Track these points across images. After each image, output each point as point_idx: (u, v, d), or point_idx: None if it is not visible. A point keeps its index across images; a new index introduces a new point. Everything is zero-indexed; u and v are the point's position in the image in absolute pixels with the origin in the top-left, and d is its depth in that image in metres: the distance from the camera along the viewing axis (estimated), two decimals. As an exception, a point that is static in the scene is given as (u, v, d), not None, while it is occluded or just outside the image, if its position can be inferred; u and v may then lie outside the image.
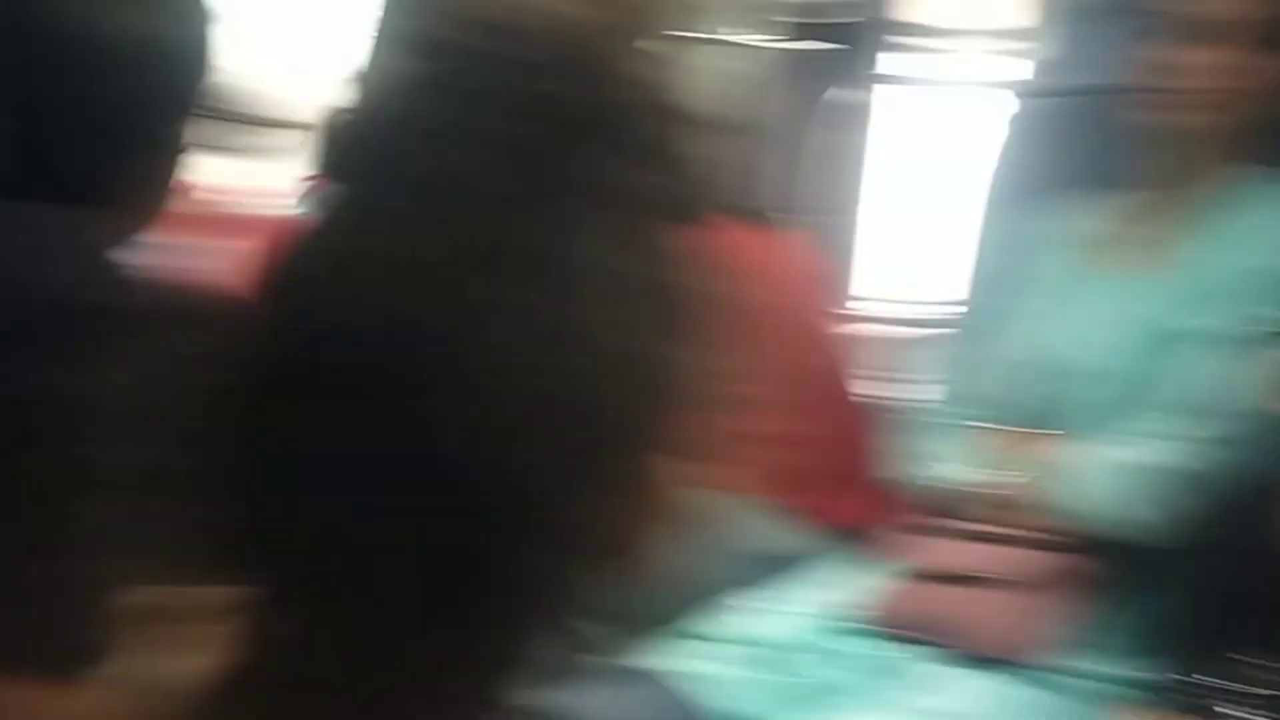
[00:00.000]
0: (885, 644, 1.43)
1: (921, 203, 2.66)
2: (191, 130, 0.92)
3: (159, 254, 0.97)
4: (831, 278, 2.45)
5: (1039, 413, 1.60)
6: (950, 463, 1.59)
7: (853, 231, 2.64)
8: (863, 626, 1.46)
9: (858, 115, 2.54)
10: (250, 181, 1.93)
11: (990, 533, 1.50)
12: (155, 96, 0.89)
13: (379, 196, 0.45)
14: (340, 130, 0.47)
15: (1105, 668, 1.39)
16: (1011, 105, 2.12)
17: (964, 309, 2.03)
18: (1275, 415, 1.08)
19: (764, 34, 2.53)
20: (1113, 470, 1.43)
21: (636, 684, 1.01)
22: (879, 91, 2.55)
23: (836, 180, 2.35)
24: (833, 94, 2.39)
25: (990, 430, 1.61)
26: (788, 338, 1.80)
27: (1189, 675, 1.22)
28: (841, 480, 1.79)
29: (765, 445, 1.68)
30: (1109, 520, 1.42)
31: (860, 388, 1.91)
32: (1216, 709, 1.17)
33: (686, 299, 0.47)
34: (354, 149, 0.47)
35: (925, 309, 2.46)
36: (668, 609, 1.61)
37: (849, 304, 2.48)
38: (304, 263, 0.47)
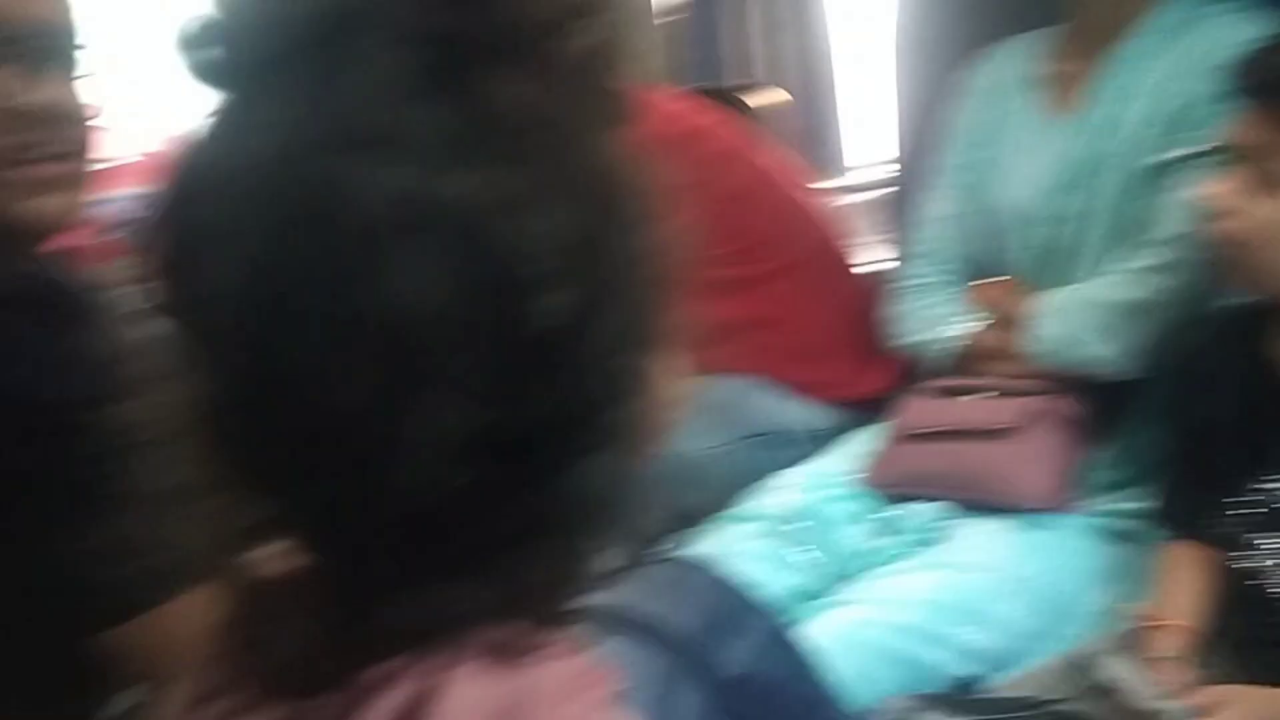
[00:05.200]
0: (902, 505, 1.47)
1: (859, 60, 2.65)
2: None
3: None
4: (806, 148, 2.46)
5: (999, 261, 1.63)
6: (932, 321, 1.63)
7: (817, 98, 2.63)
8: (879, 490, 1.51)
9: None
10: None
11: (980, 385, 1.55)
12: None
13: (263, 101, 0.44)
14: (208, 33, 0.46)
15: (1114, 505, 1.44)
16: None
17: (901, 166, 2.04)
18: (1205, 239, 1.10)
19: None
20: (1078, 309, 1.47)
21: (680, 573, 1.05)
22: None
23: (792, 47, 2.35)
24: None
25: (960, 283, 1.65)
26: (779, 214, 1.82)
27: (1200, 507, 1.26)
28: (847, 351, 1.82)
29: (767, 324, 1.73)
30: (1082, 359, 1.46)
31: (853, 257, 1.94)
32: (1248, 538, 1.20)
33: (655, 187, 0.48)
34: (233, 56, 0.45)
35: (878, 170, 2.46)
36: (696, 496, 1.65)
37: (825, 172, 2.49)
38: (190, 175, 0.45)
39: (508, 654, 0.46)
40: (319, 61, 0.43)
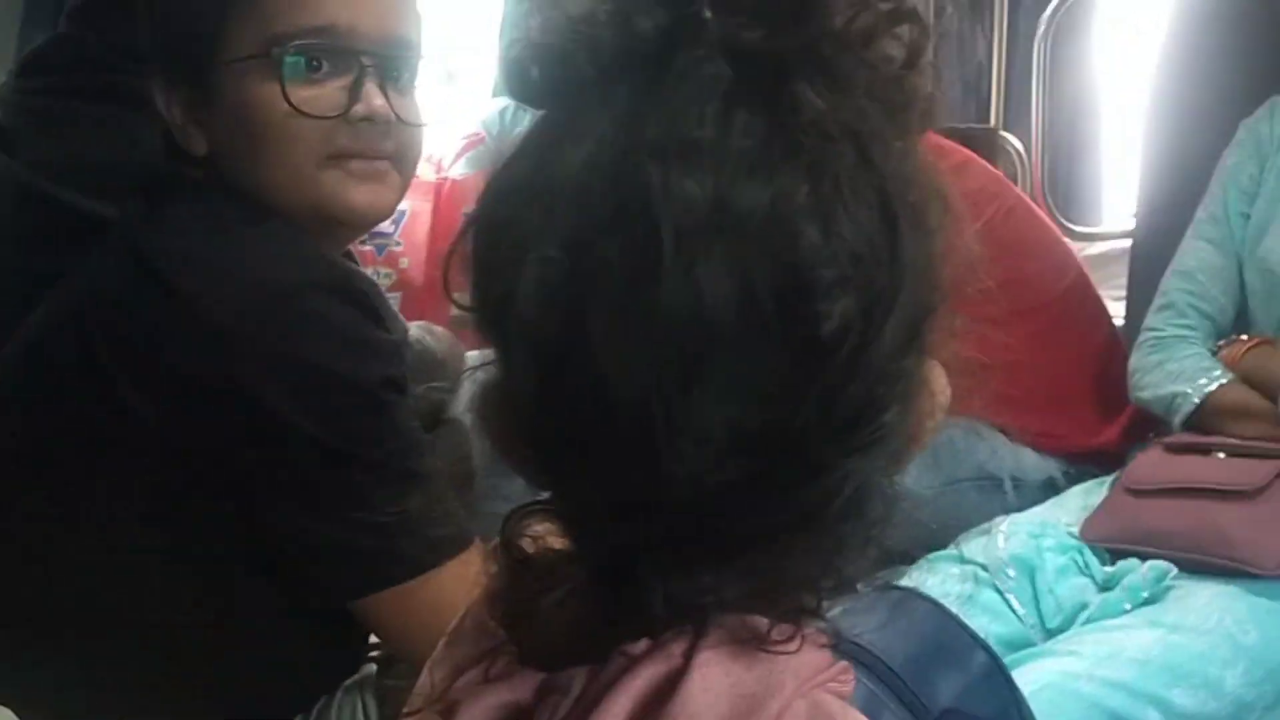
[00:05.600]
0: (1120, 561, 1.45)
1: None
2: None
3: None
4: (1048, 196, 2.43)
5: (1250, 318, 1.60)
6: (1174, 376, 1.59)
7: (1059, 146, 2.59)
8: (1098, 545, 1.49)
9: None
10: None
11: (1218, 444, 1.51)
12: None
13: (578, 118, 0.47)
14: (535, 55, 0.49)
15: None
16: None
17: (1146, 217, 1.99)
18: None
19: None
20: None
21: (900, 601, 1.06)
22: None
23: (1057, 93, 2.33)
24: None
25: (1206, 339, 1.61)
26: (1024, 256, 1.80)
27: None
28: (1078, 402, 1.79)
29: (998, 368, 1.72)
30: None
31: (1093, 307, 1.90)
32: None
33: (941, 198, 0.50)
34: (552, 76, 0.48)
35: (1123, 221, 2.41)
36: (908, 534, 1.66)
37: (1068, 221, 2.45)
38: (507, 189, 0.49)
39: (753, 643, 0.49)
40: (635, 80, 0.47)
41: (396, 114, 1.02)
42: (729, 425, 0.46)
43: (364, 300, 0.99)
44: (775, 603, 0.50)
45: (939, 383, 0.52)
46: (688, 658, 0.49)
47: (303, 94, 0.99)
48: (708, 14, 0.47)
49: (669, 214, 0.45)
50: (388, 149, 1.03)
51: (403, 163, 1.05)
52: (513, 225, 0.48)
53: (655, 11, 0.47)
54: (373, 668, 1.12)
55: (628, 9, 0.47)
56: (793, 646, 0.49)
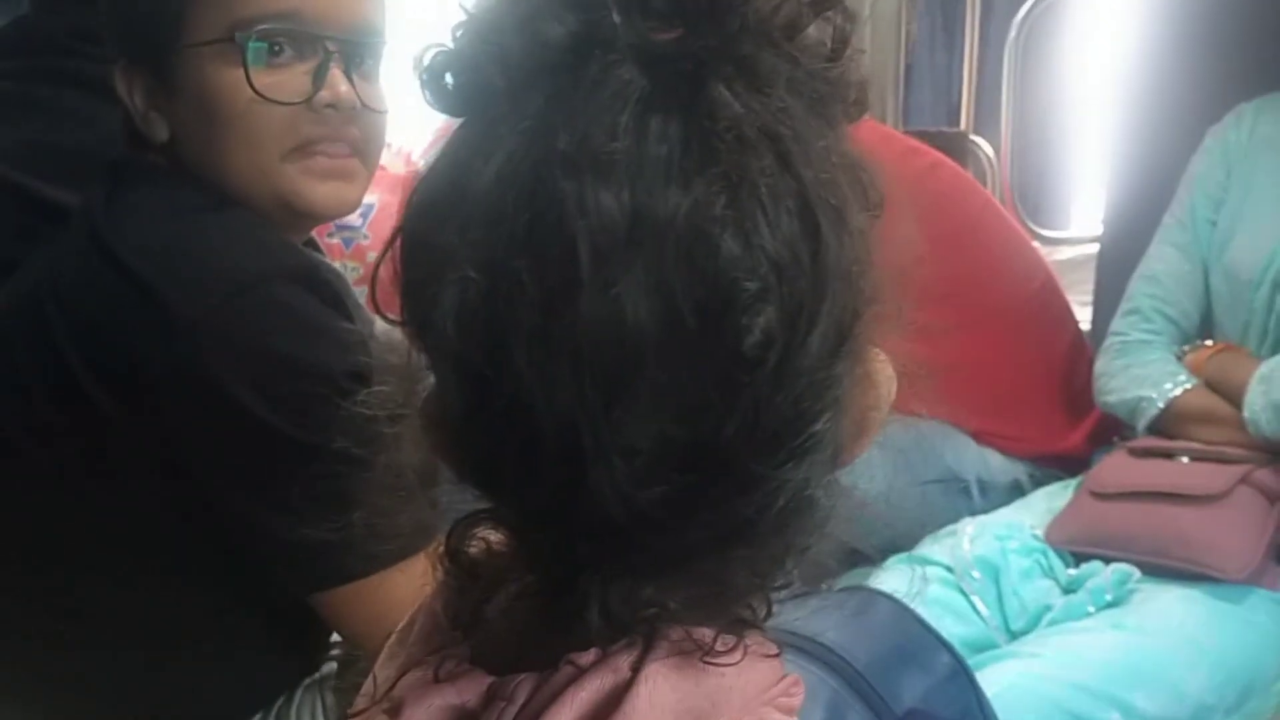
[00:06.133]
0: (1083, 564, 1.46)
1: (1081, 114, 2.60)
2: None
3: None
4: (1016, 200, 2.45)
5: (1216, 323, 1.61)
6: (1139, 380, 1.60)
7: (1029, 150, 2.61)
8: (1062, 547, 1.49)
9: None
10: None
11: (1182, 448, 1.52)
12: None
13: (495, 127, 0.45)
14: (448, 62, 0.47)
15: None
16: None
17: (1113, 222, 2.00)
18: None
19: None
20: None
21: (863, 602, 1.06)
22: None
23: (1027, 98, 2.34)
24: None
25: (1172, 344, 1.62)
26: (991, 259, 1.81)
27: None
28: (1044, 405, 1.80)
29: (963, 370, 1.73)
30: None
31: (1060, 310, 1.91)
32: None
33: (874, 192, 0.48)
34: (467, 84, 0.47)
35: (1090, 225, 2.42)
36: (873, 536, 1.66)
37: (1035, 225, 2.47)
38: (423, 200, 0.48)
39: (699, 655, 0.48)
40: (546, 89, 0.45)
41: (362, 100, 1.01)
42: (655, 441, 0.45)
43: (327, 290, 0.98)
44: (722, 612, 0.49)
45: (883, 373, 0.51)
46: (635, 670, 0.47)
47: (266, 80, 0.98)
48: (617, 18, 0.45)
49: (585, 230, 0.43)
50: (352, 136, 1.02)
51: (367, 152, 1.04)
52: (430, 243, 0.47)
53: (564, 17, 0.45)
54: (333, 666, 1.11)
55: (536, 15, 0.45)
56: (736, 657, 0.48)
